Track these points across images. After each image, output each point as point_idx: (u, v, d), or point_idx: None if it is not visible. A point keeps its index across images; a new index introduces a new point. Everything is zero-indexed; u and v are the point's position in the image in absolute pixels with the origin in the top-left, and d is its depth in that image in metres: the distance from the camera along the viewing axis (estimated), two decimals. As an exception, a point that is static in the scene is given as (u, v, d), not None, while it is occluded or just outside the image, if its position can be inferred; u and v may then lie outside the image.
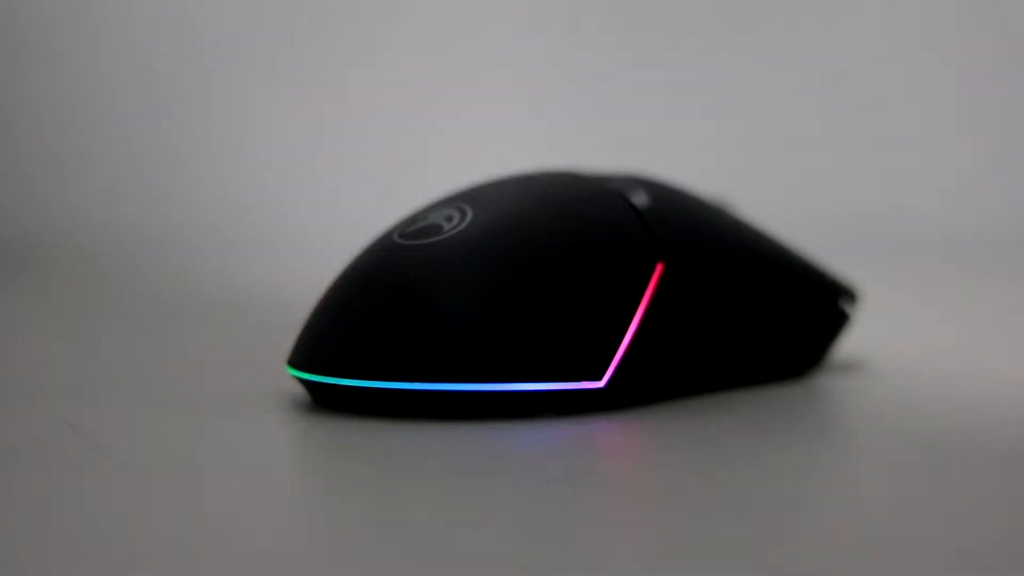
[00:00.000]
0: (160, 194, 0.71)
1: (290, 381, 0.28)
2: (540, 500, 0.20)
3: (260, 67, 0.75)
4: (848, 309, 0.31)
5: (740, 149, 0.75)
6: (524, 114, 0.75)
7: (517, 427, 0.24)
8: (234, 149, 0.73)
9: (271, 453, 0.24)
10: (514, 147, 0.71)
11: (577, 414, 0.25)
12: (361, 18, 0.76)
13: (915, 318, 0.44)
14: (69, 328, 0.42)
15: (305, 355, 0.26)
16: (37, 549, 0.17)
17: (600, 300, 0.25)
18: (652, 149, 0.72)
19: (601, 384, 0.25)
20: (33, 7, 0.74)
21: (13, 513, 0.19)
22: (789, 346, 0.30)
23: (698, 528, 0.18)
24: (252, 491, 0.21)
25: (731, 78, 0.76)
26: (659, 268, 0.26)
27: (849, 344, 0.33)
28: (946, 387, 0.29)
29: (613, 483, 0.22)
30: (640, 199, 0.27)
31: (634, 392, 0.26)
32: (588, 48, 0.77)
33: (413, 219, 0.27)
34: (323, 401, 0.26)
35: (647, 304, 0.26)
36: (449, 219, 0.26)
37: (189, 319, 0.45)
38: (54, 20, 0.74)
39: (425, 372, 0.24)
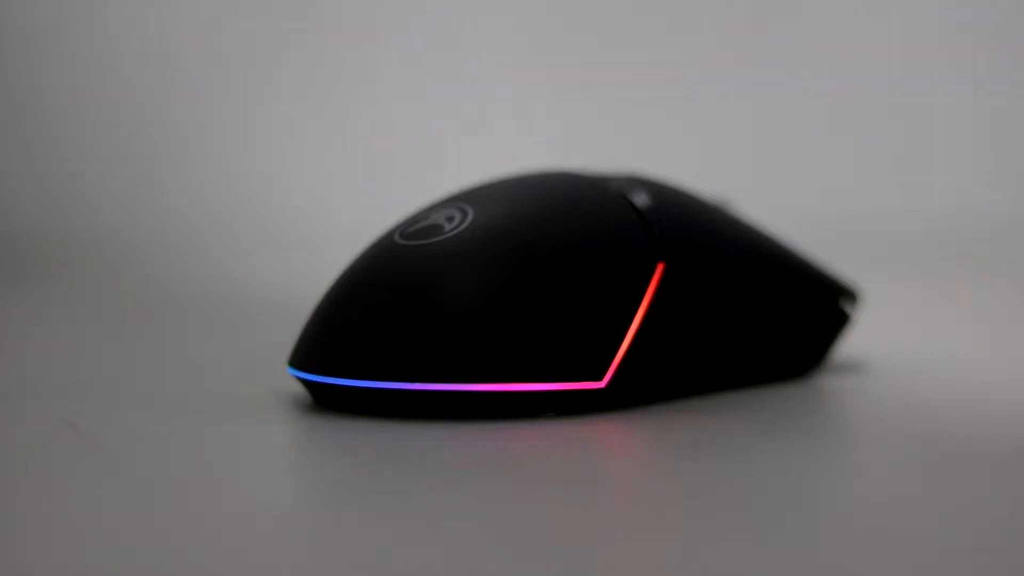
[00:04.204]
0: (160, 194, 0.71)
1: (291, 381, 0.28)
2: (540, 500, 0.20)
3: (267, 66, 0.75)
4: (849, 309, 0.31)
5: (740, 149, 0.75)
6: (525, 114, 0.75)
7: (517, 427, 0.24)
8: (235, 149, 0.73)
9: (271, 453, 0.24)
10: (516, 147, 0.71)
11: (577, 414, 0.25)
12: (369, 17, 0.76)
13: (915, 318, 0.44)
14: (69, 328, 0.42)
15: (306, 355, 0.26)
16: (37, 549, 0.17)
17: (601, 300, 0.25)
18: (652, 149, 0.72)
19: (601, 384, 0.25)
20: (44, 4, 0.74)
21: (13, 513, 0.19)
22: (790, 346, 0.30)
23: (699, 528, 0.18)
24: (252, 491, 0.21)
25: (731, 78, 0.76)
26: (660, 268, 0.26)
27: (849, 344, 0.33)
28: (946, 387, 0.29)
29: (613, 483, 0.22)
30: (641, 199, 0.27)
31: (634, 392, 0.26)
32: (589, 48, 0.77)
33: (414, 219, 0.27)
34: (323, 401, 0.26)
35: (648, 304, 0.26)
36: (450, 219, 0.26)
37: (190, 319, 0.45)
38: (64, 16, 0.74)
39: (425, 372, 0.24)
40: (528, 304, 0.25)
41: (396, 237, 0.26)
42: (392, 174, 0.72)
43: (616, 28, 0.77)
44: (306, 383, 0.26)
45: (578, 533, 0.18)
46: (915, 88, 0.76)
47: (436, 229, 0.26)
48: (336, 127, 0.74)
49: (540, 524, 0.19)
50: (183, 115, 0.74)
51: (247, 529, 0.18)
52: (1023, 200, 0.72)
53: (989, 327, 0.42)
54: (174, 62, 0.75)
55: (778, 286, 0.29)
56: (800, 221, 0.53)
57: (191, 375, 0.32)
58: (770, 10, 0.77)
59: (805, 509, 0.20)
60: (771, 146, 0.75)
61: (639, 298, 0.25)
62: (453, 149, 0.73)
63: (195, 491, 0.20)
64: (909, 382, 0.30)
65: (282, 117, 0.74)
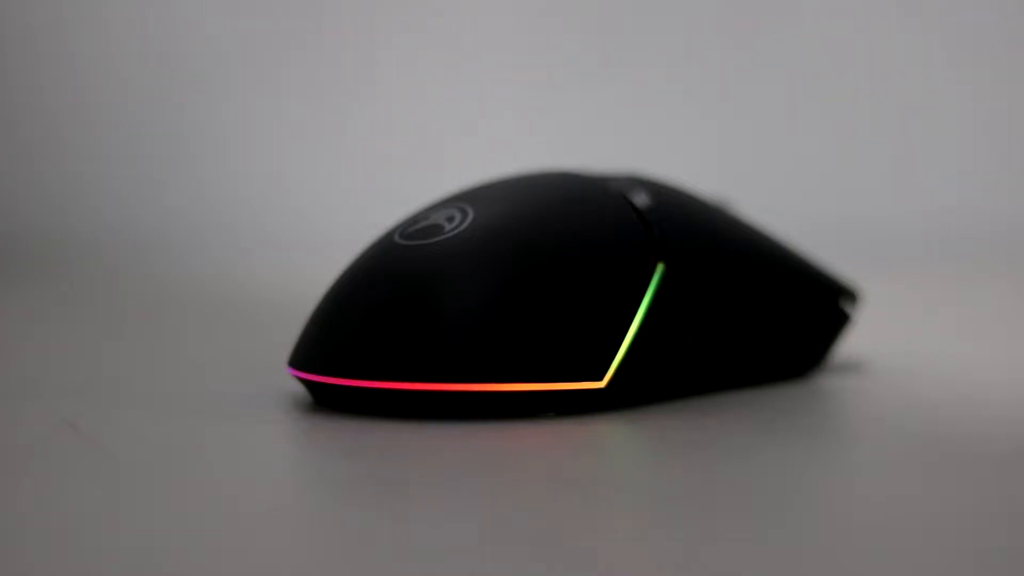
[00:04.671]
0: (160, 194, 0.71)
1: (291, 381, 0.28)
2: (540, 500, 0.20)
3: (267, 66, 0.75)
4: (849, 309, 0.31)
5: (740, 149, 0.75)
6: (525, 114, 0.75)
7: (517, 427, 0.24)
8: (235, 149, 0.73)
9: (272, 453, 0.24)
10: (516, 147, 0.71)
11: (577, 414, 0.25)
12: (369, 17, 0.76)
13: (915, 318, 0.44)
14: (69, 328, 0.42)
15: (306, 355, 0.26)
16: (37, 549, 0.17)
17: (601, 300, 0.25)
18: (652, 149, 0.72)
19: (601, 384, 0.25)
20: (46, 5, 0.74)
21: (13, 513, 0.19)
22: (790, 346, 0.30)
23: (699, 528, 0.18)
24: (252, 491, 0.21)
25: (731, 78, 0.76)
26: (660, 268, 0.26)
27: (849, 344, 0.33)
28: (946, 387, 0.29)
29: (613, 483, 0.22)
30: (641, 199, 0.27)
31: (634, 392, 0.26)
32: (589, 48, 0.77)
33: (414, 219, 0.27)
34: (323, 401, 0.26)
35: (648, 304, 0.26)
36: (450, 219, 0.26)
37: (190, 319, 0.45)
38: (64, 17, 0.74)
39: (425, 372, 0.24)
40: (528, 304, 0.25)
41: (396, 237, 0.26)
42: (392, 174, 0.72)
43: (616, 28, 0.77)
44: (306, 383, 0.26)
45: (578, 533, 0.18)
46: (915, 88, 0.76)
47: (436, 229, 0.26)
48: (336, 127, 0.74)
49: (540, 524, 0.19)
50: (183, 115, 0.74)
51: (247, 529, 0.18)
52: (1023, 200, 0.72)
53: (989, 327, 0.42)
54: (174, 62, 0.75)
55: (778, 286, 0.29)
56: (800, 221, 0.53)
57: (191, 375, 0.32)
58: (770, 11, 0.77)
59: (805, 509, 0.20)
60: (771, 146, 0.75)
61: (639, 298, 0.25)
62: (453, 149, 0.73)
63: (195, 491, 0.20)
64: (909, 382, 0.30)
65: (282, 117, 0.74)
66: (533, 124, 0.75)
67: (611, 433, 0.25)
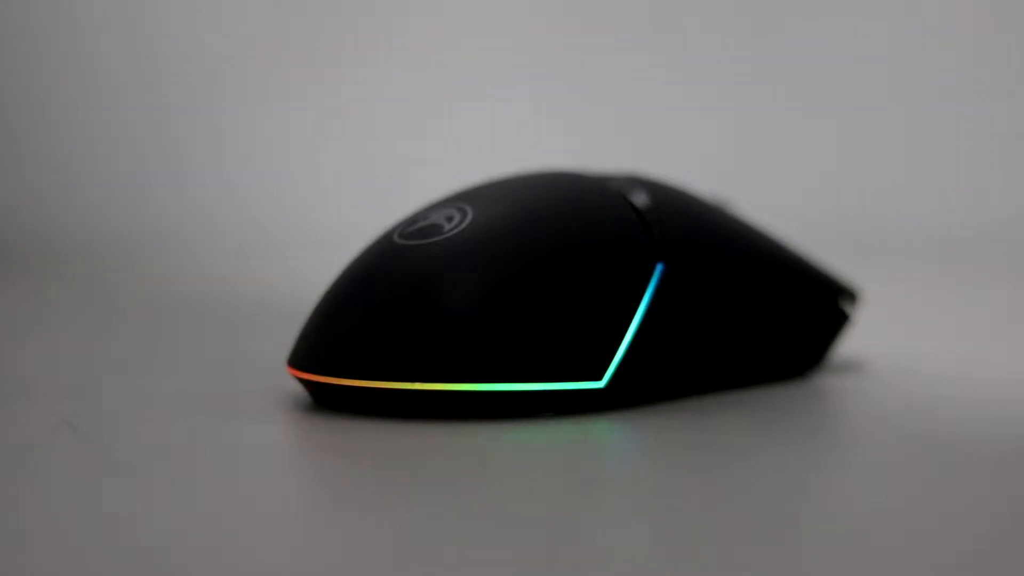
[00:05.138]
0: (160, 194, 0.71)
1: (291, 381, 0.28)
2: (540, 500, 0.20)
3: (265, 66, 0.75)
4: (848, 309, 0.31)
5: (740, 149, 0.75)
6: (525, 114, 0.75)
7: (517, 427, 0.24)
8: (234, 149, 0.73)
9: (271, 453, 0.24)
10: (516, 147, 0.71)
11: (577, 414, 0.25)
12: (364, 17, 0.76)
13: (915, 318, 0.44)
14: (69, 328, 0.42)
15: (305, 355, 0.26)
16: (37, 549, 0.17)
17: (600, 300, 0.25)
18: (652, 149, 0.72)
19: (601, 384, 0.25)
20: (36, 6, 0.74)
21: (13, 513, 0.19)
22: (790, 346, 0.30)
23: (699, 528, 0.18)
24: (252, 491, 0.21)
25: (730, 78, 0.76)
26: (659, 268, 0.26)
27: (849, 344, 0.33)
28: (946, 387, 0.29)
29: (613, 483, 0.22)
30: (640, 199, 0.27)
31: (634, 392, 0.26)
32: (588, 47, 0.77)
33: (413, 219, 0.27)
34: (323, 401, 0.26)
35: (647, 304, 0.26)
36: (450, 219, 0.26)
37: (189, 319, 0.45)
38: (56, 18, 0.74)
39: (425, 372, 0.24)
40: (528, 304, 0.25)
41: (395, 237, 0.26)
42: (392, 174, 0.72)
43: (616, 28, 0.77)
44: (306, 383, 0.26)
45: (578, 533, 0.18)
46: (916, 87, 0.76)
47: (436, 229, 0.26)
48: (335, 127, 0.74)
49: (540, 524, 0.19)
50: (182, 115, 0.74)
51: (247, 529, 0.18)
52: (1022, 200, 0.72)
53: (989, 327, 0.42)
54: (172, 63, 0.74)
55: (778, 286, 0.29)
56: (800, 221, 0.53)
57: (191, 375, 0.32)
58: (769, 12, 0.77)
59: (805, 509, 0.20)
60: (770, 145, 0.75)
61: (639, 298, 0.25)
62: (453, 149, 0.73)
63: (195, 491, 0.20)
64: (909, 382, 0.30)
65: (281, 117, 0.74)
66: (534, 124, 0.75)
67: (611, 433, 0.25)
